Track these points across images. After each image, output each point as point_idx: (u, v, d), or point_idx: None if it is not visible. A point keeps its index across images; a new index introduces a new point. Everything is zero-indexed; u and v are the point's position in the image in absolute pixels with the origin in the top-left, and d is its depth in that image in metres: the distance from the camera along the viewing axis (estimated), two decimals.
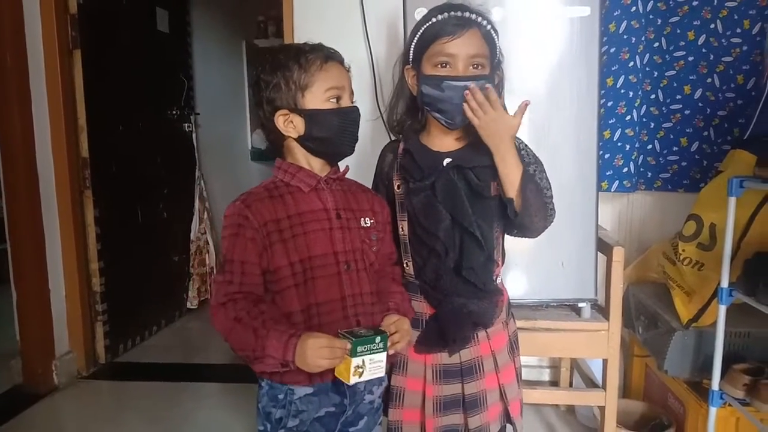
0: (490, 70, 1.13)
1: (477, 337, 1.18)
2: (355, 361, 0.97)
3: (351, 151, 1.14)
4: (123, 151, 2.77)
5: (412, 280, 1.21)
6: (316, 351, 0.96)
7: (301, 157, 1.12)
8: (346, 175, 1.18)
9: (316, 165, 1.13)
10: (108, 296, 2.64)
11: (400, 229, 1.21)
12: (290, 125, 1.09)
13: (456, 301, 1.14)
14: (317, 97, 1.08)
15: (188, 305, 3.33)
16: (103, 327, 2.62)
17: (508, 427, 1.26)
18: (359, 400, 1.13)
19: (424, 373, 1.18)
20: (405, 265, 1.22)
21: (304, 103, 1.08)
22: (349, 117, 1.11)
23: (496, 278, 1.22)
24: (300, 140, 1.10)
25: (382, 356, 1.00)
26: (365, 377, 0.99)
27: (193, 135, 3.34)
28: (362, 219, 1.14)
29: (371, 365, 0.99)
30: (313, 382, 1.06)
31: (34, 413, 2.24)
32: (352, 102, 1.13)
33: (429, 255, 1.16)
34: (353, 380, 0.98)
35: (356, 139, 1.13)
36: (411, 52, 1.16)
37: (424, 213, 1.14)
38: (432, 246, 1.14)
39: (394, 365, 1.22)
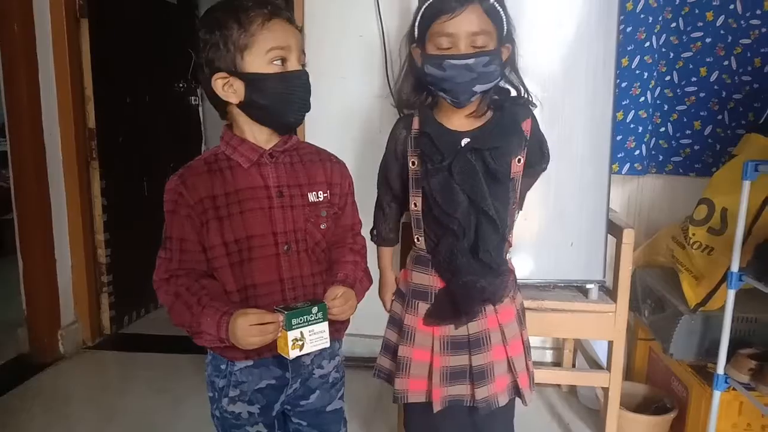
0: (497, 44, 1.10)
1: (484, 311, 1.19)
2: (292, 334, 0.95)
3: (298, 121, 1.06)
4: (130, 123, 2.76)
5: (423, 254, 1.21)
6: (246, 329, 0.94)
7: (245, 125, 1.04)
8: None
9: (262, 135, 1.05)
10: (113, 268, 2.65)
11: (413, 205, 1.20)
12: (230, 89, 1.00)
13: (468, 277, 1.14)
14: (258, 58, 0.98)
15: None
16: (108, 298, 2.64)
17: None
18: (306, 374, 1.11)
19: (432, 344, 1.19)
20: (416, 239, 1.22)
21: (245, 66, 0.98)
22: (295, 82, 1.01)
23: (506, 255, 1.22)
24: (241, 107, 1.02)
25: (323, 326, 0.98)
26: (307, 349, 0.97)
27: (200, 108, 3.32)
28: (311, 194, 1.07)
29: (311, 336, 0.97)
30: (249, 357, 1.05)
31: (39, 381, 2.27)
32: (302, 64, 1.03)
33: (444, 234, 1.15)
34: (293, 354, 0.96)
35: (306, 107, 1.04)
36: (416, 30, 1.14)
37: (441, 194, 1.12)
38: (448, 225, 1.14)
39: (401, 336, 1.23)
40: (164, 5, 3.02)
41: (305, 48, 1.07)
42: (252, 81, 0.99)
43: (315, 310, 0.97)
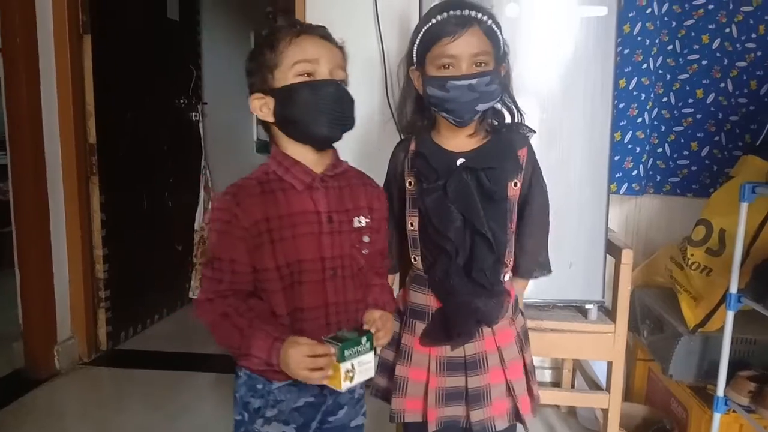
0: (495, 64, 1.12)
1: (482, 333, 1.18)
2: (345, 366, 0.94)
3: (331, 132, 1.03)
4: (130, 138, 2.76)
5: (421, 273, 1.21)
6: (298, 360, 0.94)
7: (288, 145, 1.05)
8: (349, 163, 1.13)
9: (309, 156, 1.05)
10: (111, 283, 2.64)
11: (409, 225, 1.21)
12: (265, 108, 1.03)
13: (462, 298, 1.14)
14: (285, 73, 1.00)
15: (190, 295, 3.32)
16: (105, 314, 2.62)
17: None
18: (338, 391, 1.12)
19: (428, 364, 1.19)
20: (413, 259, 1.22)
21: (274, 83, 1.01)
22: (323, 91, 1.00)
23: (504, 276, 1.22)
24: (277, 125, 1.04)
25: (370, 356, 0.98)
26: (357, 380, 0.96)
27: (200, 124, 3.33)
28: (356, 218, 1.08)
29: (360, 367, 0.96)
30: (290, 377, 1.03)
31: (34, 397, 2.25)
32: (340, 80, 1.03)
33: (439, 254, 1.16)
34: (345, 386, 0.95)
35: (341, 120, 1.03)
36: (414, 53, 1.16)
37: (435, 213, 1.13)
38: (442, 245, 1.14)
39: (398, 355, 1.22)
40: (167, 22, 3.05)
41: None
42: (279, 94, 1.01)
43: (364, 340, 0.96)
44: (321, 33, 1.04)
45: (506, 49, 1.16)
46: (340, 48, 1.06)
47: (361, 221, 1.09)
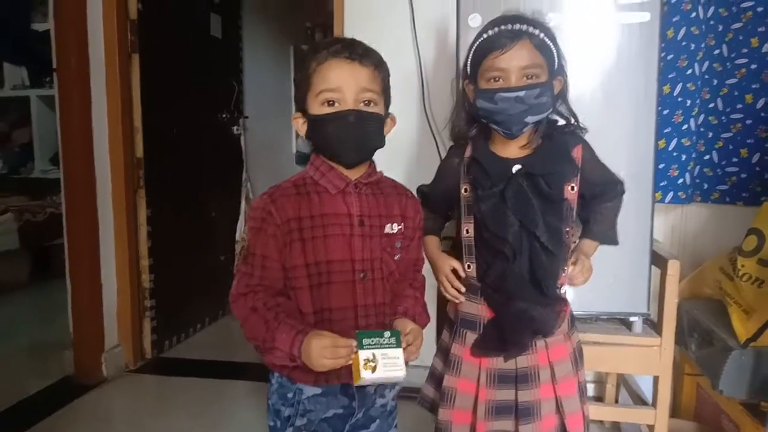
0: (548, 77, 1.12)
1: (535, 346, 1.17)
2: (363, 353, 0.94)
3: (357, 158, 1.09)
4: (175, 153, 2.84)
5: (473, 282, 1.21)
6: (319, 351, 0.96)
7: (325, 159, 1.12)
8: (385, 174, 1.16)
9: (343, 168, 1.10)
10: (156, 293, 2.71)
11: (464, 232, 1.21)
12: (304, 126, 1.10)
13: (518, 305, 1.13)
14: (314, 101, 1.06)
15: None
16: (150, 322, 2.69)
17: None
18: (369, 404, 1.12)
19: (477, 376, 1.18)
20: (467, 266, 1.22)
21: (308, 107, 1.08)
22: (343, 122, 1.03)
23: (561, 287, 1.20)
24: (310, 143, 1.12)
25: (397, 352, 0.97)
26: (379, 373, 0.95)
27: (242, 138, 3.41)
28: (388, 225, 1.11)
29: (384, 360, 0.95)
30: (318, 383, 1.06)
31: (83, 403, 2.32)
32: (366, 101, 1.05)
33: (495, 257, 1.16)
34: (365, 374, 0.94)
35: (365, 144, 1.08)
36: (468, 68, 1.17)
37: (492, 219, 1.13)
38: (499, 249, 1.14)
39: (447, 366, 1.22)
40: (211, 39, 3.14)
41: None
42: (310, 122, 1.07)
43: (387, 334, 0.97)
44: (347, 54, 1.04)
45: (563, 62, 1.16)
46: (370, 65, 1.06)
47: (393, 228, 1.12)
